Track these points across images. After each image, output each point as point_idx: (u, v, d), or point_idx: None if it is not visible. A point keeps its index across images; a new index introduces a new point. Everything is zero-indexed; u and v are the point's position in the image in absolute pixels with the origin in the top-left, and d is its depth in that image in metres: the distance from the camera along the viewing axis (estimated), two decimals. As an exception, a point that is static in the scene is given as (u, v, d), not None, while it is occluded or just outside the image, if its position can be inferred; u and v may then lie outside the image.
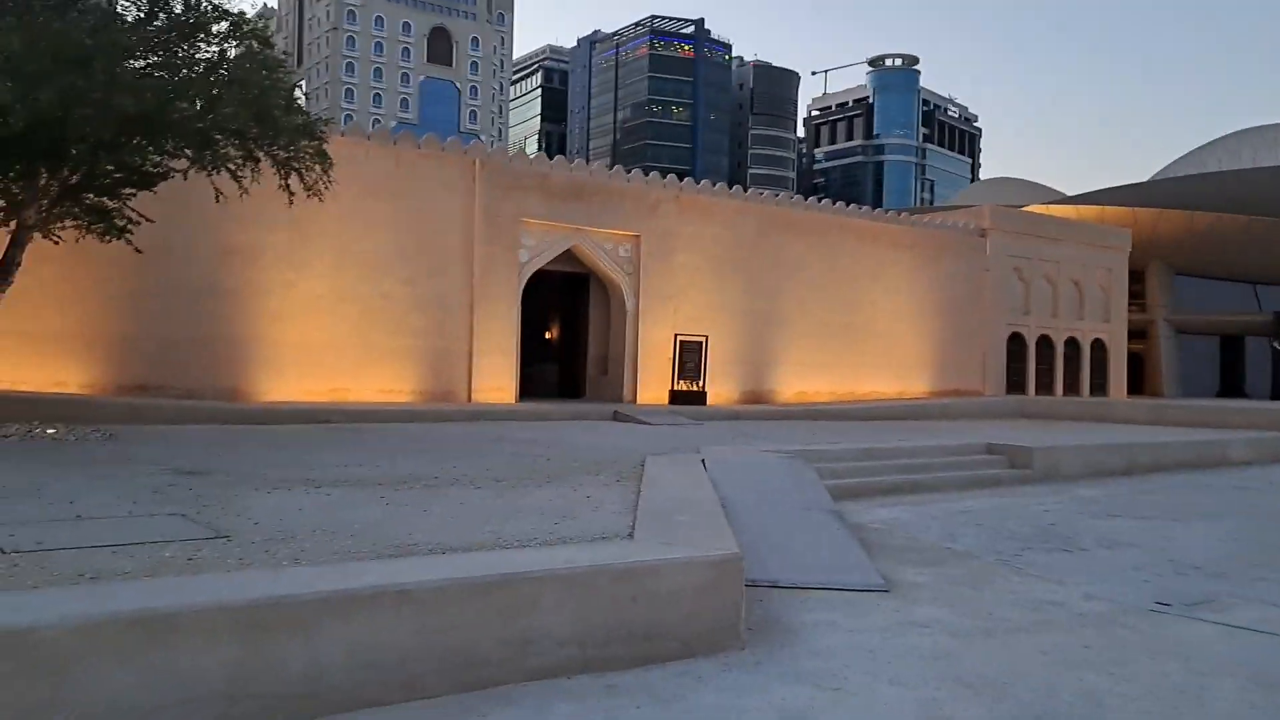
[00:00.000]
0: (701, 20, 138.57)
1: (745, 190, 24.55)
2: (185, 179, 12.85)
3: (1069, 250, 30.92)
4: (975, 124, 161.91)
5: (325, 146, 13.37)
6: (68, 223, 12.49)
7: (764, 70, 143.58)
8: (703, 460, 11.34)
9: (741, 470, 11.14)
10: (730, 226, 23.38)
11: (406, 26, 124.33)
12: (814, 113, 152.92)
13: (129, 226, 12.83)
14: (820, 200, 26.25)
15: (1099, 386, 32.45)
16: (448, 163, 19.37)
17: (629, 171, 22.52)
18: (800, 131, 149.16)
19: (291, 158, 13.05)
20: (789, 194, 24.77)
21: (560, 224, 20.72)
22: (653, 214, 21.97)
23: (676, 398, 21.86)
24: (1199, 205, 35.03)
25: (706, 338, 22.32)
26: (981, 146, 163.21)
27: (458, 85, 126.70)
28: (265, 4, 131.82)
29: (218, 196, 13.16)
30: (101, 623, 4.07)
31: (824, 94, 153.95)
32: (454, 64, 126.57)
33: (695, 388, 22.11)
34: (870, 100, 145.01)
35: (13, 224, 11.92)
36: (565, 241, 20.97)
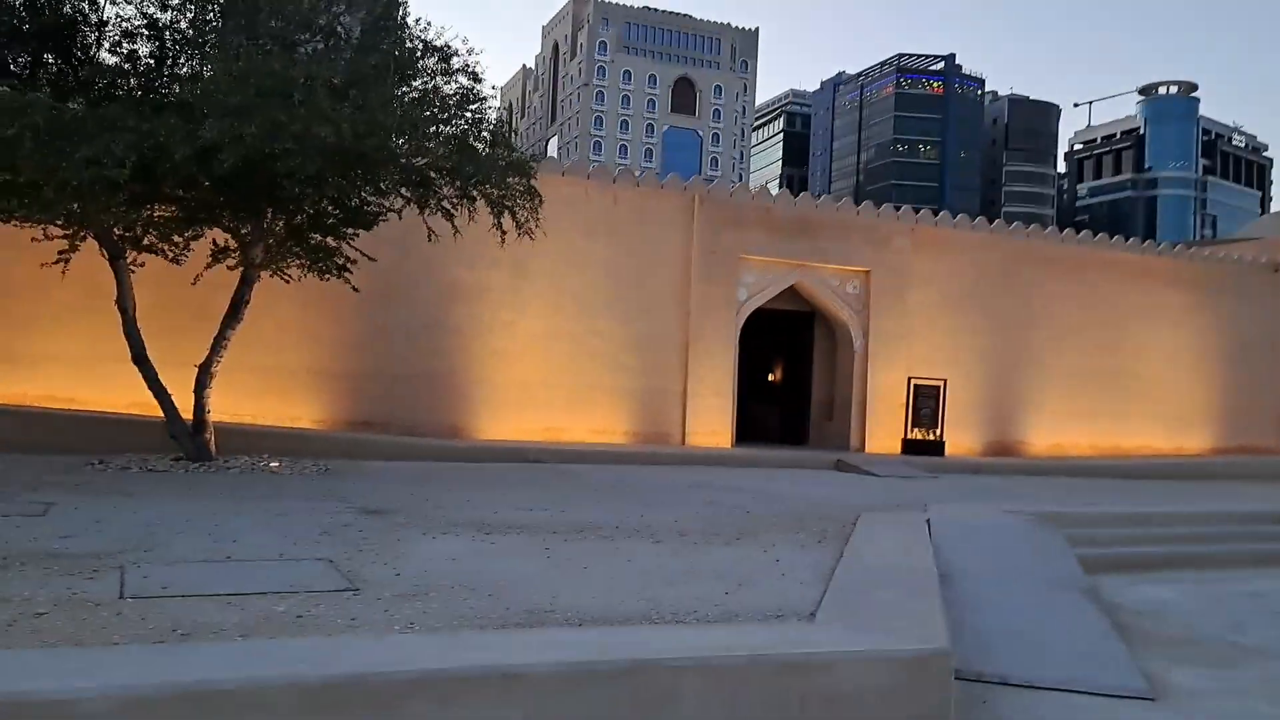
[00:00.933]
0: (952, 56, 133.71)
1: (991, 223, 22.49)
2: (400, 218, 12.96)
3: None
4: (1265, 153, 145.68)
5: (535, 184, 13.10)
6: (292, 261, 12.86)
7: (1020, 104, 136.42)
8: (927, 520, 9.87)
9: (974, 534, 9.58)
10: (972, 261, 21.43)
11: (653, 79, 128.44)
12: (1076, 146, 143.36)
13: (348, 265, 13.07)
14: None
15: None
16: (666, 199, 18.88)
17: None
18: (1061, 167, 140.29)
19: (504, 196, 12.86)
20: (1039, 226, 22.38)
21: (783, 260, 19.68)
22: (884, 248, 20.48)
23: (909, 447, 20.08)
24: None
25: (944, 381, 20.43)
26: (1273, 178, 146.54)
27: (699, 133, 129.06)
28: (525, 65, 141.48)
29: (430, 235, 13.18)
30: (145, 696, 3.46)
31: (1088, 126, 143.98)
32: (697, 113, 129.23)
33: (931, 436, 20.25)
34: (1141, 131, 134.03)
35: (242, 264, 12.40)
36: (788, 278, 19.89)
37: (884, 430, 20.28)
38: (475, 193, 12.61)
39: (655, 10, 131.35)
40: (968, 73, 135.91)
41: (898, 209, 21.55)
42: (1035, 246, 22.19)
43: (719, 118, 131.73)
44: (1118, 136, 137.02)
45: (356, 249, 13.39)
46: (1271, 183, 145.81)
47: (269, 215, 11.84)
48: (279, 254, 12.45)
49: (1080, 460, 20.73)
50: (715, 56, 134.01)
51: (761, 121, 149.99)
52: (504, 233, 13.39)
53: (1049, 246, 22.35)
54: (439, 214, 13.08)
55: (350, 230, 12.88)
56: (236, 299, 12.42)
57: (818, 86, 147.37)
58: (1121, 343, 22.78)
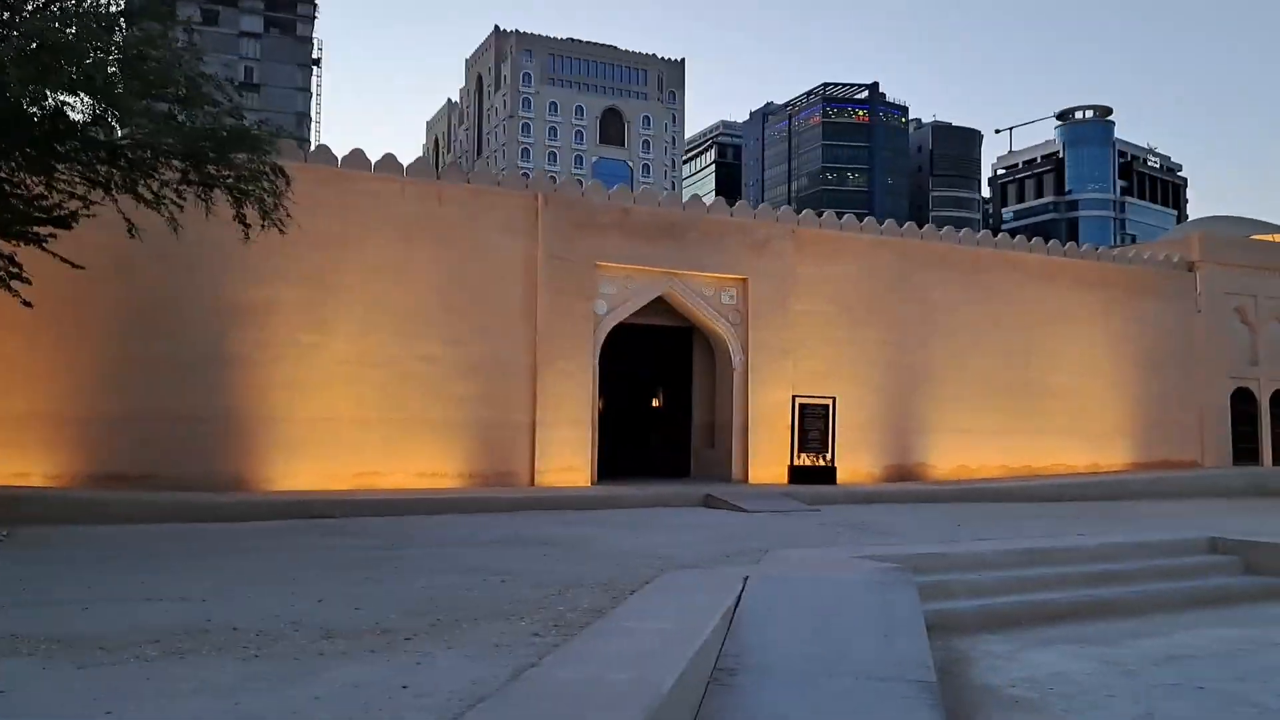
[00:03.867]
0: (876, 84, 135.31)
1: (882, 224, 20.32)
2: (87, 207, 10.23)
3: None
4: (1179, 173, 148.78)
5: (273, 160, 10.48)
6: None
7: (944, 130, 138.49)
8: (744, 580, 7.35)
9: (799, 599, 7.08)
10: (863, 265, 19.23)
11: (580, 110, 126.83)
12: (1000, 171, 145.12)
13: (11, 273, 10.25)
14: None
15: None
16: (504, 200, 16.34)
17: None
18: (985, 191, 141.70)
19: (239, 179, 10.23)
20: (934, 225, 20.33)
21: (647, 267, 17.23)
22: (763, 252, 18.16)
23: (797, 475, 17.66)
24: None
25: (834, 399, 18.09)
26: (1188, 196, 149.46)
27: (629, 164, 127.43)
28: (449, 99, 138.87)
29: (131, 230, 10.46)
30: None
31: (1009, 151, 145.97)
32: (626, 144, 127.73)
33: (820, 462, 17.86)
34: (1060, 155, 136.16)
35: None
36: (654, 288, 17.44)
37: (769, 457, 17.85)
38: (192, 174, 9.94)
39: (579, 41, 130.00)
40: (892, 100, 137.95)
41: (776, 208, 19.30)
42: (932, 248, 20.08)
43: (649, 149, 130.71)
44: (1038, 160, 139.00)
45: (55, 254, 10.60)
46: (1187, 201, 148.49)
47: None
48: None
49: (989, 483, 18.49)
50: (642, 87, 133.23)
51: (694, 153, 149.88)
52: (246, 226, 10.76)
53: (947, 248, 20.26)
54: (164, 204, 10.39)
55: (33, 230, 10.08)
56: None
57: (747, 117, 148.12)
58: (1031, 352, 20.73)
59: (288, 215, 10.86)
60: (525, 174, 16.24)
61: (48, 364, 13.15)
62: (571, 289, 16.51)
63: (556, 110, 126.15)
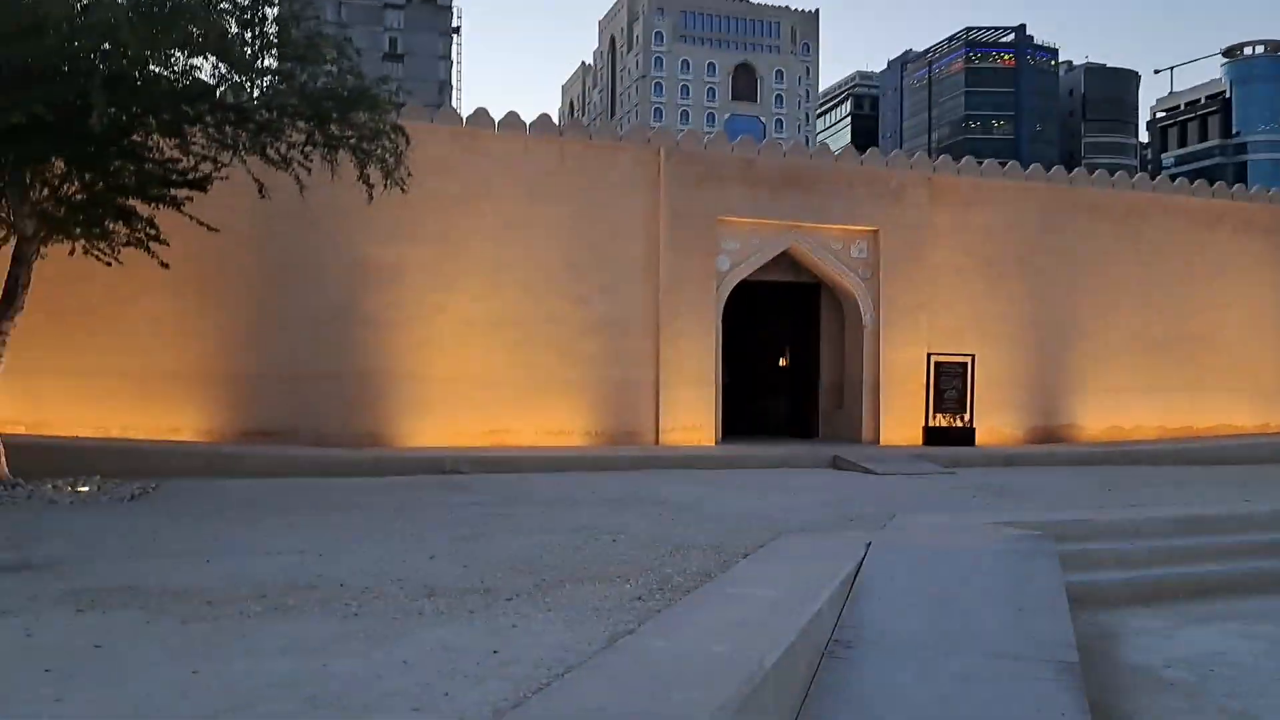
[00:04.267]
0: (1023, 27, 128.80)
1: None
2: (220, 168, 10.49)
3: None
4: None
5: (396, 120, 10.51)
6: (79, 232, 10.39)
7: (1097, 72, 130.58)
8: (866, 547, 6.96)
9: (928, 567, 6.65)
10: (1005, 214, 18.13)
11: (711, 67, 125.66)
12: (1159, 114, 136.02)
13: (146, 236, 10.62)
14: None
15: None
16: (625, 154, 16.06)
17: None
18: (1144, 136, 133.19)
19: (362, 138, 10.33)
20: (1085, 170, 18.98)
21: (771, 221, 16.68)
22: (896, 202, 17.33)
23: (933, 436, 16.93)
24: None
25: (972, 357, 17.20)
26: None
27: (762, 120, 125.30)
28: (584, 62, 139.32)
29: (261, 191, 10.68)
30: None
31: (1170, 93, 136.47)
32: (758, 99, 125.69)
33: (958, 423, 17.05)
34: (1227, 94, 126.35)
35: (13, 239, 10.04)
36: (779, 243, 16.89)
37: (902, 418, 17.16)
38: (317, 135, 10.07)
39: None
40: (1040, 43, 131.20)
41: (911, 155, 18.36)
42: (1081, 194, 18.74)
43: (782, 103, 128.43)
44: (1202, 101, 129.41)
45: (192, 216, 10.96)
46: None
47: (32, 173, 9.42)
48: (65, 222, 9.99)
49: (1144, 445, 17.29)
50: (775, 40, 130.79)
51: (828, 106, 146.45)
52: (370, 187, 10.86)
53: (1097, 193, 18.87)
54: (291, 166, 10.60)
55: (170, 193, 10.42)
56: (10, 283, 10.03)
57: (884, 67, 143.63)
58: (1192, 304, 19.20)
59: (409, 175, 10.90)
60: (652, 130, 15.87)
61: (194, 323, 13.73)
62: (693, 245, 16.16)
63: (688, 68, 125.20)
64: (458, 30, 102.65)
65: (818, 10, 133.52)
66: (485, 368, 15.11)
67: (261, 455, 12.31)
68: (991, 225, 18.05)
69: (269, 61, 9.76)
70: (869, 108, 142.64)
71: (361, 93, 9.99)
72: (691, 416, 15.98)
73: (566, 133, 15.85)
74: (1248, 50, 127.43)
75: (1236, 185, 21.20)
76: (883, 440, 17.02)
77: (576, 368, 15.57)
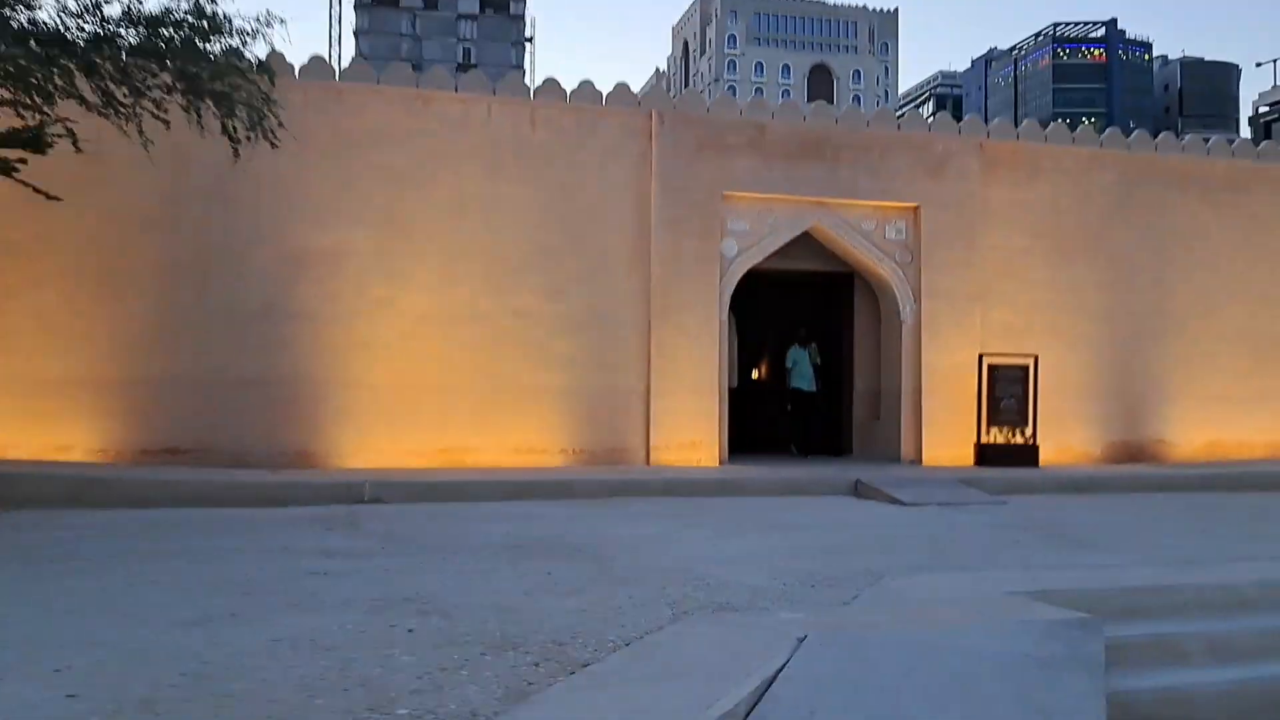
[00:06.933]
0: (1114, 21, 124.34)
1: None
2: (53, 121, 8.40)
3: None
4: None
5: (251, 61, 8.31)
6: None
7: (1194, 66, 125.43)
8: (798, 642, 4.39)
9: (876, 693, 4.03)
10: (1074, 187, 15.14)
11: (786, 69, 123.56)
12: (1262, 109, 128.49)
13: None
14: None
15: None
16: (610, 120, 13.59)
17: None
18: (1245, 132, 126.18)
19: (213, 76, 8.14)
20: (1171, 134, 15.81)
21: (789, 196, 14.03)
22: (940, 174, 14.52)
23: (987, 455, 14.03)
24: None
25: (1035, 359, 14.26)
26: None
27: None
28: (657, 68, 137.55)
29: (144, 142, 8.63)
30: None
31: (1274, 86, 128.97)
32: (835, 101, 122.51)
33: (1018, 439, 14.11)
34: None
35: None
36: (798, 222, 14.21)
37: (950, 433, 14.31)
38: (170, 78, 7.93)
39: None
40: (1132, 37, 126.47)
41: (958, 119, 15.50)
42: (1169, 164, 15.61)
43: (860, 104, 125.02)
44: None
45: (27, 184, 8.92)
46: None
47: None
48: None
49: (1251, 465, 14.11)
50: (852, 41, 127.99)
51: (909, 106, 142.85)
52: (235, 143, 8.67)
53: (1190, 162, 15.70)
54: (136, 114, 8.48)
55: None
56: None
57: (968, 65, 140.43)
58: (1312, 294, 15.89)
59: (280, 125, 8.67)
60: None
61: (86, 323, 11.71)
62: (692, 226, 13.61)
63: (762, 71, 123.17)
64: (531, 40, 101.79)
65: (897, 9, 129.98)
66: (439, 374, 12.80)
67: (130, 479, 10.14)
68: (1059, 200, 15.08)
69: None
70: (952, 108, 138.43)
71: (200, 13, 7.77)
72: (689, 431, 13.41)
73: (539, 94, 13.46)
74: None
75: (1365, 151, 17.72)
76: (926, 459, 14.21)
77: (550, 373, 13.15)
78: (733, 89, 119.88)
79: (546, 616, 5.16)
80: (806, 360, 15.68)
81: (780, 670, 4.11)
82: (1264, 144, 16.63)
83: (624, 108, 13.72)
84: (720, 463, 13.57)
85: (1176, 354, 15.32)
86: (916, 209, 14.49)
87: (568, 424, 13.18)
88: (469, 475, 11.59)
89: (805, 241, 14.60)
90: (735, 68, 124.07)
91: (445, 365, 12.83)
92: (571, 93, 13.55)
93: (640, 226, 13.53)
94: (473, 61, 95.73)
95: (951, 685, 4.06)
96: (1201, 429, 15.29)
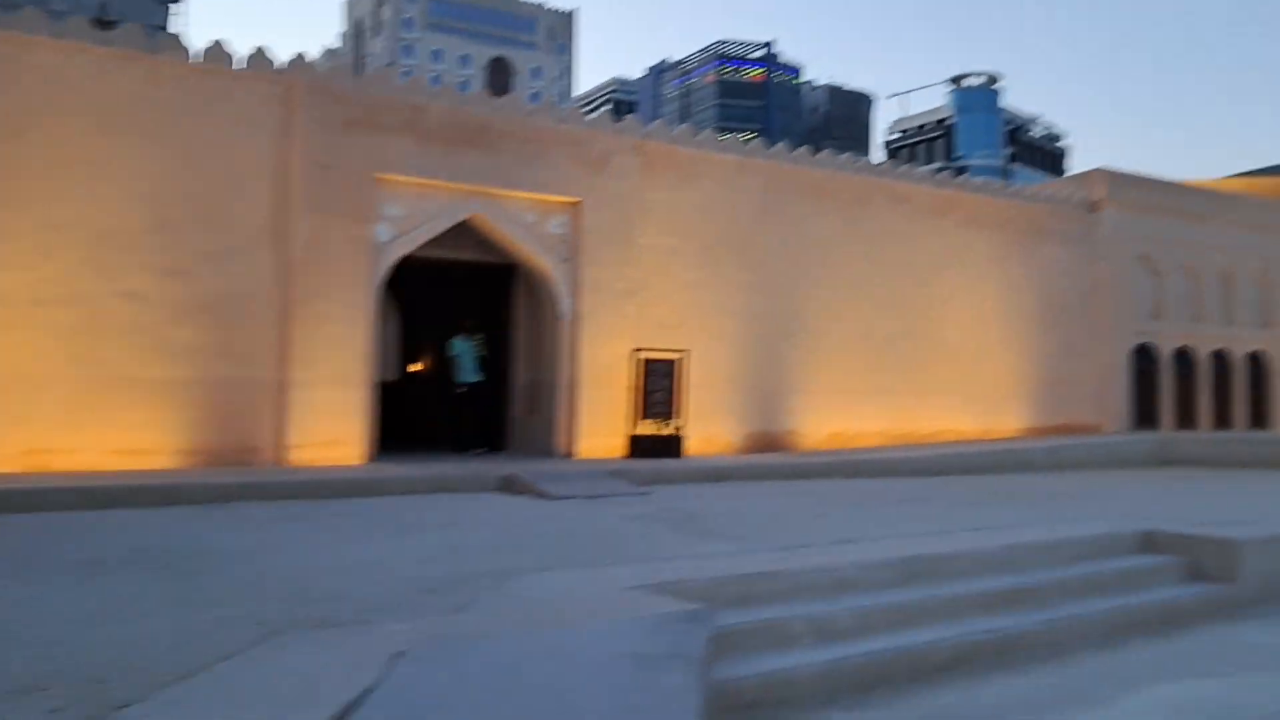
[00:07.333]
0: (770, 43, 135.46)
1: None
2: None
3: (1215, 232, 22.49)
4: (1062, 142, 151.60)
5: None
6: None
7: (838, 93, 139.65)
8: (392, 659, 3.88)
9: (476, 703, 3.63)
10: (724, 192, 15.91)
11: (465, 59, 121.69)
12: (893, 135, 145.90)
13: None
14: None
15: (1260, 416, 23.74)
16: (245, 86, 12.35)
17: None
18: (878, 155, 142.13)
19: None
20: (810, 148, 17.05)
21: (448, 184, 13.52)
22: (601, 171, 14.65)
23: (639, 446, 14.35)
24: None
25: (685, 354, 14.80)
26: (1069, 166, 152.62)
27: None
28: (326, 48, 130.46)
29: None
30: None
31: (902, 116, 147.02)
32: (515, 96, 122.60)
33: (667, 430, 14.57)
34: (952, 121, 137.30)
35: None
36: (457, 211, 13.73)
37: (606, 425, 14.48)
38: None
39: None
40: (786, 61, 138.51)
41: (620, 117, 15.77)
42: (806, 175, 16.85)
43: (538, 101, 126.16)
44: (930, 126, 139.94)
45: None
46: (1065, 171, 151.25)
47: None
48: None
49: (866, 453, 15.52)
50: (532, 37, 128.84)
51: (586, 110, 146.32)
52: None
53: (823, 175, 17.05)
54: None
55: None
56: None
57: (642, 73, 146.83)
58: (918, 300, 17.83)
59: None
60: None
61: None
62: (341, 207, 12.70)
63: (440, 58, 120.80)
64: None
65: (573, 11, 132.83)
66: (25, 364, 10.95)
67: None
68: (711, 204, 15.76)
69: None
70: (627, 113, 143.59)
71: None
72: (331, 427, 12.48)
73: (162, 50, 11.92)
74: (969, 80, 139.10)
75: (962, 175, 20.21)
76: (581, 452, 14.26)
77: (167, 364, 11.69)
78: (408, 74, 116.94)
79: (97, 648, 4.32)
80: (472, 352, 15.20)
81: (366, 692, 3.62)
82: (884, 163, 18.45)
83: (261, 73, 12.50)
84: (368, 459, 12.77)
85: (810, 350, 16.55)
86: (578, 204, 14.51)
87: (186, 421, 11.80)
88: (52, 481, 9.94)
89: (469, 231, 14.15)
90: (413, 52, 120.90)
91: (32, 353, 11.00)
92: (205, 51, 12.13)
93: (280, 203, 12.41)
94: (110, 17, 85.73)
95: (547, 694, 3.76)
96: (827, 420, 16.63)
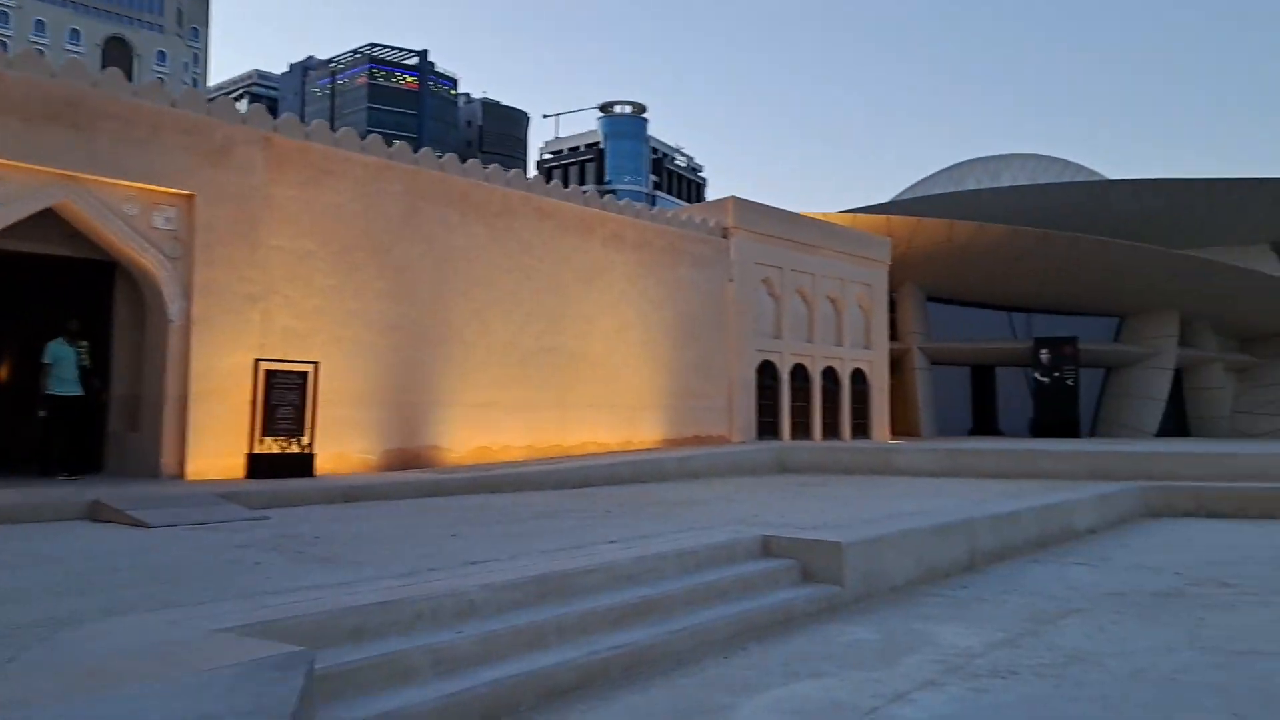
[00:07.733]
0: (425, 52, 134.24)
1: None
2: None
3: (826, 261, 25.06)
4: (701, 174, 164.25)
5: None
6: None
7: (493, 108, 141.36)
8: None
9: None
10: (364, 196, 15.06)
11: (75, 34, 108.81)
12: (546, 155, 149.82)
13: None
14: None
15: (861, 426, 26.78)
16: None
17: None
18: (532, 172, 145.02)
19: None
20: (457, 157, 16.65)
21: (28, 165, 11.54)
22: (221, 162, 13.25)
23: (259, 466, 13.08)
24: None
25: (315, 366, 13.76)
26: (706, 196, 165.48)
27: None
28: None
29: None
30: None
31: (556, 137, 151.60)
32: (135, 80, 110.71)
33: (294, 448, 13.44)
34: (601, 145, 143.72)
35: None
36: (40, 197, 11.77)
37: (221, 443, 13.06)
38: None
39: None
40: (441, 71, 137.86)
41: (244, 103, 14.45)
42: (451, 183, 16.43)
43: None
44: (582, 149, 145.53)
45: None
46: (704, 201, 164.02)
47: None
48: None
49: (510, 468, 15.34)
50: (158, 18, 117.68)
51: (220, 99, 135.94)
52: None
53: (469, 185, 16.73)
54: None
55: None
56: None
57: (286, 69, 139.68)
58: (563, 314, 18.01)
59: None
60: None
61: None
62: (-124, 181, 10.38)
63: (44, 30, 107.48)
64: None
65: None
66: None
67: None
68: (348, 207, 14.84)
69: None
70: (267, 109, 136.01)
71: None
72: None
73: None
74: (619, 108, 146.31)
75: (608, 196, 20.82)
76: (191, 473, 12.75)
77: None
78: (4, 45, 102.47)
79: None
80: (73, 360, 12.81)
81: None
82: (532, 177, 18.50)
83: None
84: (-92, 490, 10.49)
85: (453, 364, 16.09)
86: (192, 197, 13.01)
87: None
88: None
89: (59, 222, 12.18)
90: (9, 20, 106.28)
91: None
92: None
93: None
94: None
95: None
96: (473, 434, 16.26)
